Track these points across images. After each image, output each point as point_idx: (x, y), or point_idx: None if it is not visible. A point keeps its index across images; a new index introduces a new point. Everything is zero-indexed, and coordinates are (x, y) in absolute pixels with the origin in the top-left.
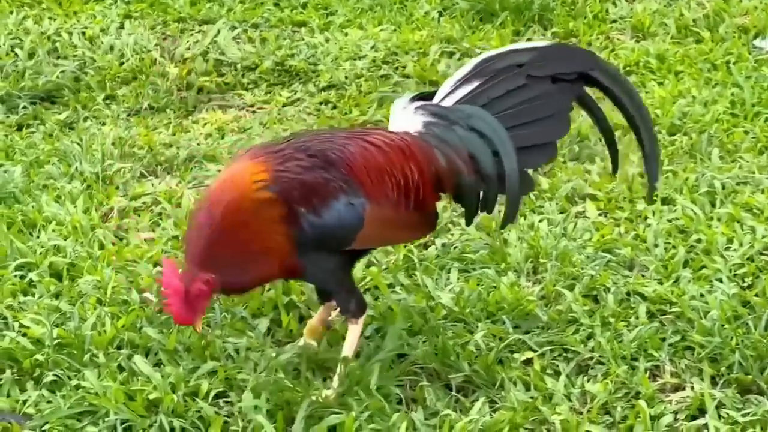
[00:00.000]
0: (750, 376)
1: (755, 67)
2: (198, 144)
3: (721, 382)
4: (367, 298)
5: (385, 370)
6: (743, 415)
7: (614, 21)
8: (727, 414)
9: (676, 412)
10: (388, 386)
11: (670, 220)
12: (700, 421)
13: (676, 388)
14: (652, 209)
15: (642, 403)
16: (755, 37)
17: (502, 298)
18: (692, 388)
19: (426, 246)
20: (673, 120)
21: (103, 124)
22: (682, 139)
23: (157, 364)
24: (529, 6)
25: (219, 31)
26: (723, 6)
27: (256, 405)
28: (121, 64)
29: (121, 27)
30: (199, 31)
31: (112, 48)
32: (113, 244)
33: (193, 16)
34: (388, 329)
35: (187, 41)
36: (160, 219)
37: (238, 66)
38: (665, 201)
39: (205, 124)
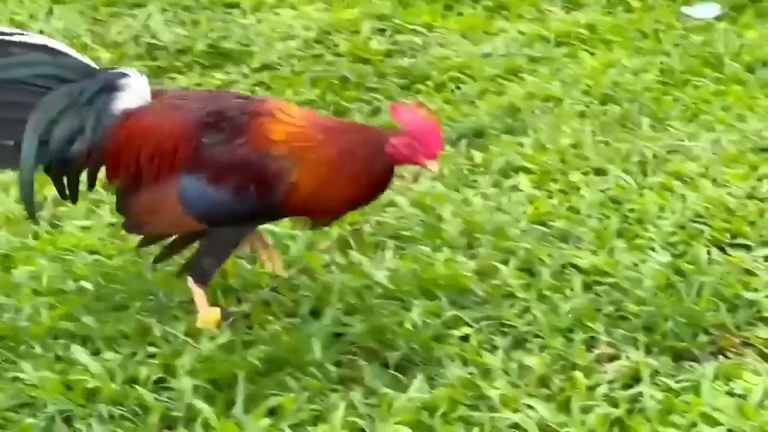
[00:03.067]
0: (683, 343)
1: (683, 35)
2: None
3: (656, 350)
4: (303, 278)
5: (322, 349)
6: (677, 382)
7: None
8: (662, 381)
9: (611, 382)
10: (326, 365)
11: (602, 191)
12: (636, 390)
13: (612, 358)
14: (586, 180)
15: (578, 374)
16: (684, 4)
17: (437, 275)
18: (627, 357)
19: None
20: (604, 90)
21: None
22: (614, 108)
23: (96, 353)
24: None
25: (150, 15)
26: None
27: (196, 386)
28: None
29: (50, 13)
30: (129, 15)
31: (41, 33)
32: (47, 233)
33: (124, 0)
34: (325, 309)
35: (119, 25)
36: (96, 207)
37: (171, 49)
38: (598, 171)
39: None
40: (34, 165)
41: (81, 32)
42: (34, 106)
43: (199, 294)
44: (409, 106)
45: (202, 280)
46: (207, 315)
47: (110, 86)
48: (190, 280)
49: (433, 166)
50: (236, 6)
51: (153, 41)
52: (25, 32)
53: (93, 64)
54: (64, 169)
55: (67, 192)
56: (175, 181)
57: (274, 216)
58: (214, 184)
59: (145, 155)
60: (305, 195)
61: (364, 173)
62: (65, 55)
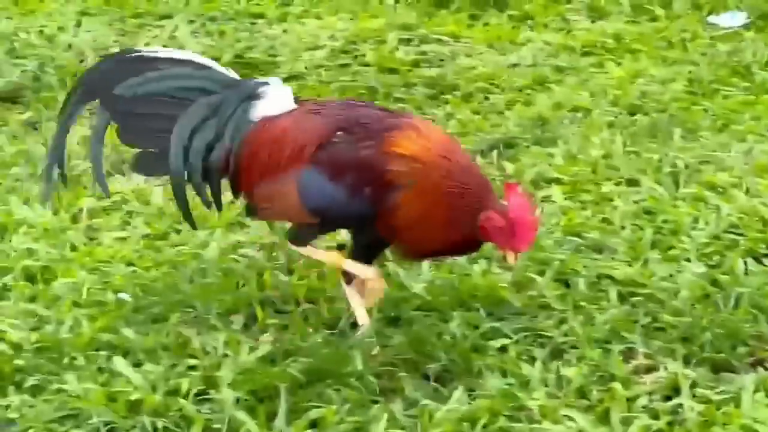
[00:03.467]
0: (722, 355)
1: (711, 44)
2: None
3: (694, 361)
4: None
5: (362, 361)
6: (717, 393)
7: (569, 2)
8: (701, 393)
9: (650, 393)
10: (366, 377)
11: (636, 202)
12: (675, 401)
13: (650, 369)
14: (618, 191)
15: (617, 385)
16: (709, 13)
17: (474, 286)
18: (666, 368)
19: None
20: (632, 100)
21: None
22: (642, 118)
23: (137, 365)
24: None
25: (177, 26)
26: None
27: (238, 398)
28: (81, 61)
29: (79, 25)
30: (157, 26)
31: (70, 46)
32: (84, 245)
33: (151, 11)
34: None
35: (146, 36)
36: (130, 218)
37: None
38: (630, 182)
39: None
40: (182, 173)
41: (109, 43)
42: (178, 117)
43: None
44: (524, 192)
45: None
46: (328, 257)
47: (251, 95)
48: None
49: (512, 259)
50: (261, 16)
51: None
52: (171, 49)
53: (236, 76)
54: (206, 177)
55: (211, 200)
56: (299, 172)
57: (372, 233)
58: (333, 180)
59: (275, 149)
60: (403, 218)
61: (456, 224)
62: (209, 68)
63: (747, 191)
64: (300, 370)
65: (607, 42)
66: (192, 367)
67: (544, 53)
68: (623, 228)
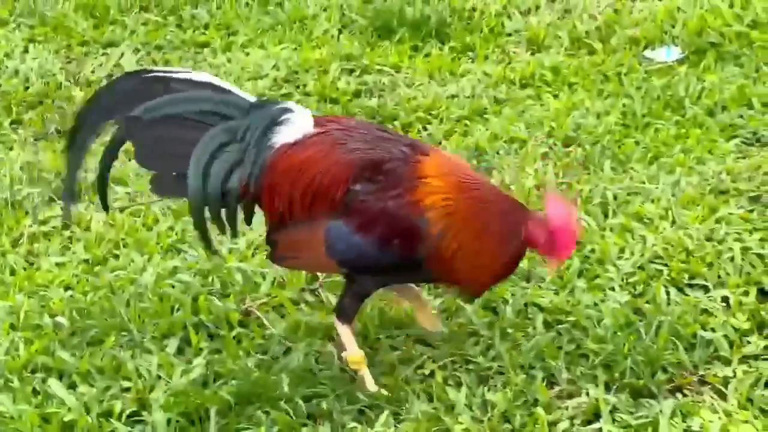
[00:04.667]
0: (642, 381)
1: (645, 78)
2: None
3: (615, 387)
4: (273, 315)
5: (292, 386)
6: (636, 418)
7: (510, 34)
8: (621, 417)
9: (572, 418)
10: (295, 400)
11: None
12: (596, 426)
13: (572, 395)
14: None
15: (540, 410)
16: (645, 48)
17: (403, 313)
18: (587, 393)
19: None
20: (567, 132)
21: (11, 149)
22: (576, 150)
23: (71, 386)
24: (426, 21)
25: (123, 54)
26: (614, 18)
27: (169, 419)
28: (27, 88)
29: (26, 51)
30: (103, 54)
31: (17, 72)
32: (24, 269)
33: (97, 39)
34: (294, 346)
35: (92, 64)
36: (70, 243)
37: None
38: None
39: None
40: (201, 197)
41: (55, 71)
42: (197, 140)
43: (344, 332)
44: (564, 196)
45: (345, 318)
46: (353, 354)
47: (272, 121)
48: (336, 320)
49: (555, 266)
50: (207, 45)
51: None
52: (189, 70)
53: (253, 100)
54: (224, 203)
55: (227, 226)
56: (324, 222)
57: (420, 274)
58: (360, 232)
59: (299, 189)
60: (446, 258)
61: (507, 254)
62: (228, 92)
63: (673, 222)
64: (231, 392)
65: (545, 74)
66: (126, 389)
67: (483, 84)
68: None
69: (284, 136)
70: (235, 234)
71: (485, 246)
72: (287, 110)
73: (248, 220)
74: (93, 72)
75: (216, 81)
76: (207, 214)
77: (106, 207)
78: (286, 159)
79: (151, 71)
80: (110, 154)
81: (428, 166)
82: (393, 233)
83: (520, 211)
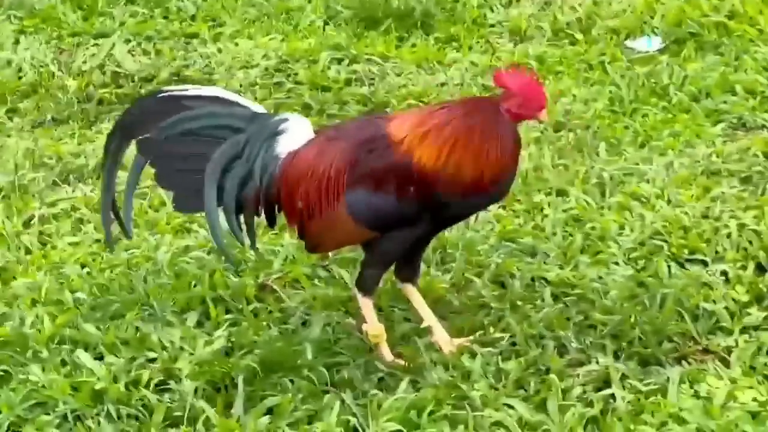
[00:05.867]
0: (649, 350)
1: (629, 67)
2: None
3: (623, 356)
4: (288, 290)
5: (314, 355)
6: (645, 385)
7: (492, 25)
8: (631, 384)
9: (584, 384)
10: (318, 368)
11: (565, 210)
12: (607, 392)
13: (582, 363)
14: (548, 201)
15: (553, 377)
16: (626, 38)
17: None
18: (597, 362)
19: None
20: (557, 118)
21: (9, 136)
22: (567, 135)
23: (98, 358)
24: (411, 13)
25: (114, 44)
26: (594, 9)
27: (196, 388)
28: (20, 78)
29: (17, 42)
30: (94, 45)
31: (9, 63)
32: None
33: (87, 31)
34: (313, 318)
35: (84, 54)
36: (81, 224)
37: (136, 77)
38: (559, 193)
39: None
40: (217, 212)
41: (48, 61)
42: (209, 155)
43: (365, 305)
44: (508, 69)
45: (367, 291)
46: (373, 327)
47: (273, 132)
48: (356, 292)
49: (544, 116)
50: (196, 36)
51: (118, 70)
52: (198, 87)
53: (258, 110)
54: (240, 214)
55: (245, 235)
56: (342, 200)
57: (441, 213)
58: (377, 193)
59: (312, 187)
60: (456, 178)
61: (494, 140)
62: (234, 104)
63: (669, 201)
64: (255, 361)
65: (530, 63)
66: (151, 360)
67: (471, 73)
68: (554, 234)
69: (287, 144)
70: (253, 246)
71: (481, 145)
72: (285, 120)
73: (271, 224)
74: (85, 62)
75: (223, 93)
76: (225, 226)
77: (128, 233)
78: (293, 166)
79: (165, 92)
80: (133, 179)
81: (395, 124)
82: (400, 181)
83: (487, 101)
